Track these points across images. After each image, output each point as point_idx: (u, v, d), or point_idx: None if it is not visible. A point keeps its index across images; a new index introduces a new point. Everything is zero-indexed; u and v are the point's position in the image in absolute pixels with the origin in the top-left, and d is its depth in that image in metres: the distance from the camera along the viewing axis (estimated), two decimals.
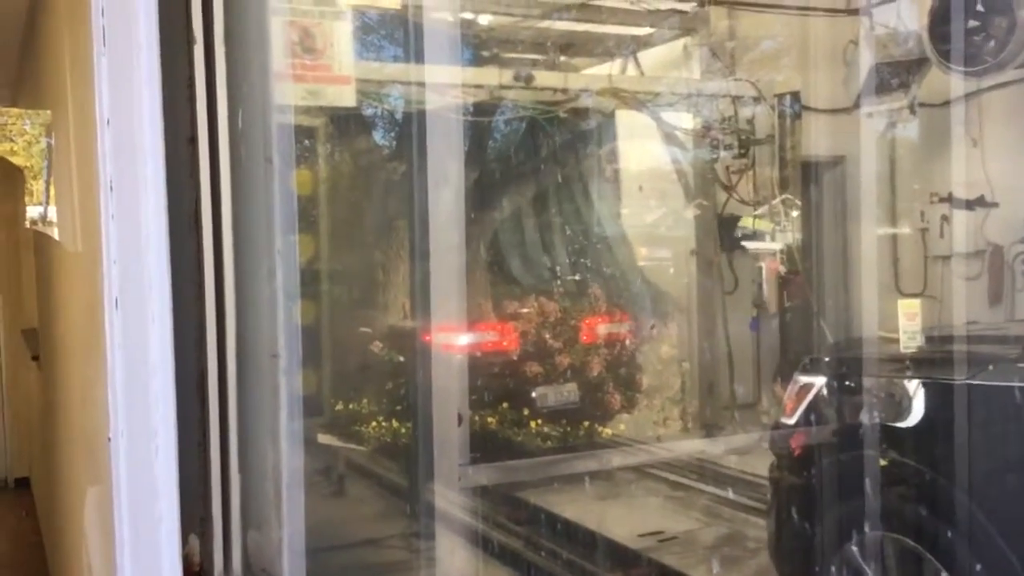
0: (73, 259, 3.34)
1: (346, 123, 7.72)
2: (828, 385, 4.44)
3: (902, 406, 4.00)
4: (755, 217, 7.98)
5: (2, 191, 8.05)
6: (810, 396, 4.42)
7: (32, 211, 9.73)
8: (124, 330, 1.52)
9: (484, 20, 7.55)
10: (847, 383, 4.49)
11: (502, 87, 7.55)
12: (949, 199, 6.84)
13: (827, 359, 5.30)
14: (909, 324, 4.69)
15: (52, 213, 6.79)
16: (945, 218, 6.97)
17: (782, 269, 8.05)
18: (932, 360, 4.32)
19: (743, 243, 7.98)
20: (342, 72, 5.98)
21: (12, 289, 7.92)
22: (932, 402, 3.92)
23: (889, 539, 3.96)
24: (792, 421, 4.49)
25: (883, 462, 4.02)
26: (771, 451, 4.85)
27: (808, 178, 7.68)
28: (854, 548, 4.05)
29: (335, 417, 7.26)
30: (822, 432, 4.42)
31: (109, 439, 1.57)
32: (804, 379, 4.62)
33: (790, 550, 4.54)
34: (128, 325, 1.52)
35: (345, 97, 6.34)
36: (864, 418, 4.23)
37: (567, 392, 6.96)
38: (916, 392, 3.97)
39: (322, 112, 6.84)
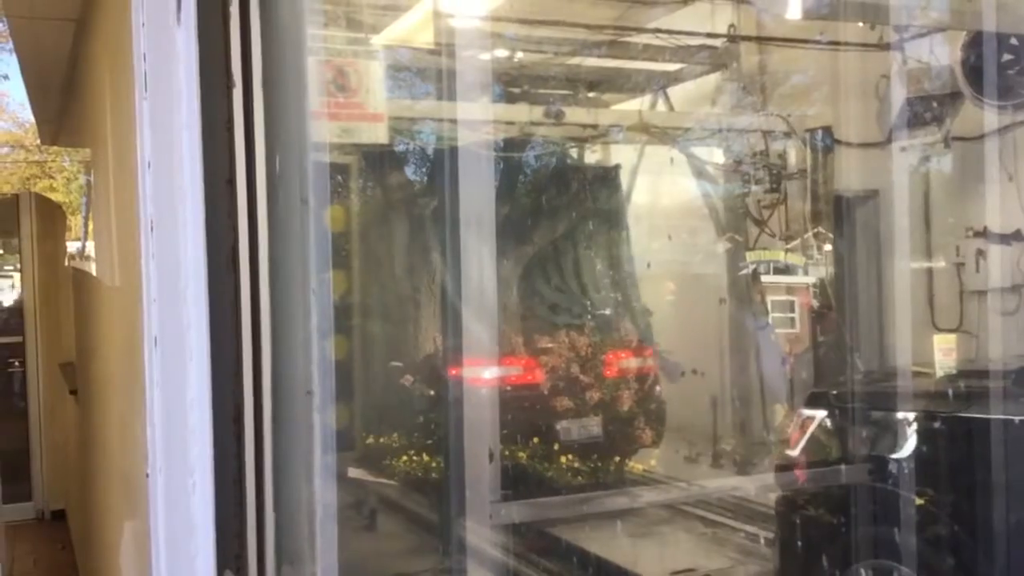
0: (111, 296, 3.40)
1: (378, 160, 7.81)
2: (828, 418, 4.57)
3: (896, 438, 4.12)
4: (787, 251, 7.96)
5: (43, 230, 8.19)
6: (812, 428, 4.55)
7: (70, 246, 9.92)
8: (163, 368, 1.55)
9: (515, 57, 7.64)
10: (846, 416, 4.61)
11: (532, 123, 7.63)
12: (984, 233, 6.77)
13: (829, 393, 5.45)
14: (945, 359, 4.70)
15: (90, 248, 6.92)
16: (981, 252, 6.90)
17: (815, 304, 8.00)
18: (925, 394, 4.45)
19: (775, 278, 7.96)
20: (375, 110, 6.07)
21: (51, 324, 8.04)
22: (924, 434, 4.03)
23: (882, 567, 4.05)
24: (795, 453, 4.61)
25: (880, 492, 4.11)
26: (776, 483, 4.98)
27: (840, 212, 7.65)
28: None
29: (366, 451, 7.27)
30: (821, 463, 4.55)
31: (147, 475, 1.60)
32: (807, 412, 4.78)
33: None
34: (167, 363, 1.55)
35: (378, 134, 6.43)
36: (861, 449, 4.37)
37: (592, 426, 6.97)
38: (909, 424, 4.10)
39: (355, 149, 6.93)
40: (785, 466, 4.97)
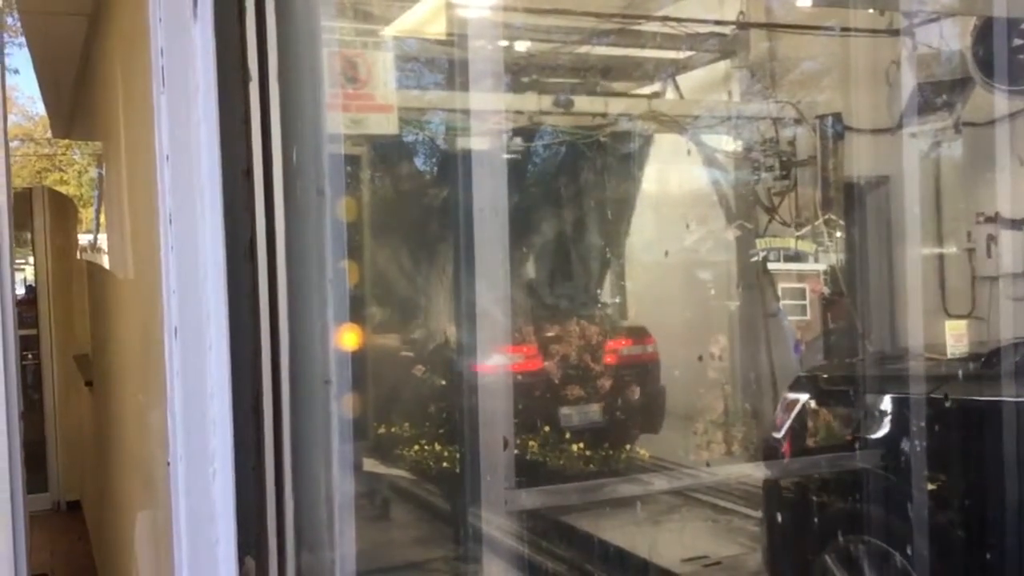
0: (128, 288, 3.43)
1: (388, 150, 7.82)
2: (810, 401, 4.72)
3: (875, 419, 4.27)
4: (797, 238, 7.95)
5: (56, 224, 8.25)
6: (795, 411, 4.70)
7: (81, 238, 9.97)
8: (183, 358, 1.57)
9: (523, 47, 7.64)
10: (828, 399, 4.86)
11: (542, 112, 7.63)
12: (996, 219, 6.75)
13: (813, 376, 5.68)
14: (956, 345, 4.76)
15: (102, 241, 6.96)
16: (992, 238, 6.89)
17: (826, 291, 7.99)
18: (902, 377, 4.67)
19: (786, 265, 7.95)
20: (385, 101, 6.07)
21: (64, 316, 8.10)
22: (901, 415, 4.16)
23: (861, 542, 4.26)
24: (780, 435, 4.76)
25: (858, 471, 4.30)
26: (764, 464, 5.16)
27: (851, 199, 7.64)
28: (828, 556, 4.35)
29: (379, 441, 7.32)
30: (801, 444, 4.70)
31: (168, 463, 1.62)
32: (791, 396, 5.02)
33: (778, 556, 4.90)
34: (187, 353, 1.57)
35: (388, 125, 6.44)
36: (841, 431, 4.52)
37: (592, 412, 7.05)
38: (887, 406, 4.25)
39: (365, 140, 6.95)
40: (771, 448, 5.15)
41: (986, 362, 4.49)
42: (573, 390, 7.06)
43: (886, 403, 4.38)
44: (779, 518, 4.89)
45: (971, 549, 3.85)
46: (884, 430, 4.31)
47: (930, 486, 3.94)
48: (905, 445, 4.12)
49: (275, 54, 1.59)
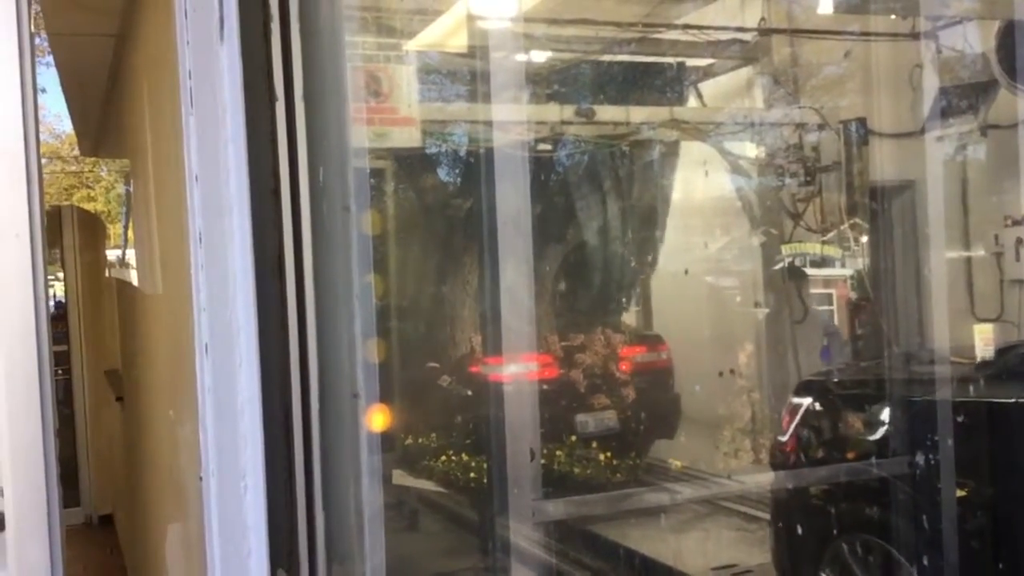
0: (157, 304, 3.47)
1: (411, 162, 7.87)
2: (814, 404, 4.90)
3: (874, 421, 4.30)
4: (823, 244, 7.92)
5: (85, 241, 8.37)
6: (799, 415, 4.77)
7: (109, 254, 10.09)
8: (214, 374, 1.60)
9: (544, 56, 7.66)
10: (829, 403, 4.92)
11: (564, 123, 7.65)
12: (1023, 222, 6.70)
13: (816, 381, 5.79)
14: (985, 349, 4.76)
15: (131, 257, 7.05)
16: (1020, 241, 6.82)
17: (852, 296, 7.95)
18: (903, 380, 4.80)
19: (812, 270, 7.92)
20: (408, 114, 6.11)
21: (95, 332, 8.20)
22: (899, 418, 4.30)
23: (862, 541, 4.36)
24: (785, 438, 4.82)
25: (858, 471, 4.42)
26: (770, 466, 5.22)
27: (877, 203, 7.59)
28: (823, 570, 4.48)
29: (406, 452, 7.34)
30: (805, 446, 4.85)
31: (200, 478, 1.65)
32: (795, 400, 5.13)
33: (786, 556, 4.98)
34: (218, 369, 1.59)
35: (411, 138, 6.48)
36: (840, 432, 4.66)
37: (607, 419, 7.09)
38: (887, 409, 4.42)
39: (388, 152, 6.99)
40: (776, 451, 5.20)
41: (980, 365, 4.50)
42: (589, 397, 7.11)
43: (885, 406, 4.41)
44: (783, 521, 4.97)
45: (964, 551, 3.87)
46: (884, 432, 4.35)
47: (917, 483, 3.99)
48: (906, 447, 4.15)
49: (300, 74, 1.62)
